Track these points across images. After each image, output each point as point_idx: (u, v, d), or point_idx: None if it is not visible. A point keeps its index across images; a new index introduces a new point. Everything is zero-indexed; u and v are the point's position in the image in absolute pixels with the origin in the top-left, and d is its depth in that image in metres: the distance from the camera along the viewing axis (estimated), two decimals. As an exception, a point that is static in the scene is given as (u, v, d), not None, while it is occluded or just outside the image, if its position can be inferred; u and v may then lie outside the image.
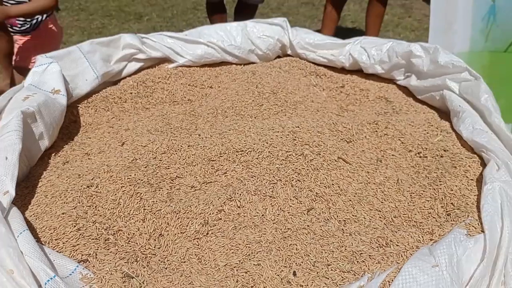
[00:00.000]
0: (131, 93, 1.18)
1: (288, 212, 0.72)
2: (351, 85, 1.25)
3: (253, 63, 1.34)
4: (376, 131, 0.96)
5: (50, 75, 1.01)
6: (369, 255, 0.64)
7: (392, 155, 0.91)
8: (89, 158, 0.90)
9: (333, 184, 0.77)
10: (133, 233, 0.69)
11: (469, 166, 0.83)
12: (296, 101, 1.07)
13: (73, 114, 1.07)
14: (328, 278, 0.61)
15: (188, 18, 3.73)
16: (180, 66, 1.27)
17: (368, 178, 0.80)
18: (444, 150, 0.90)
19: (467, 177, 0.81)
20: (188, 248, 0.68)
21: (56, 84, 1.01)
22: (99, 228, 0.68)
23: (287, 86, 1.12)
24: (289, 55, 1.36)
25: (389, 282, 0.58)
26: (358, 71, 1.29)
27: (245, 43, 1.31)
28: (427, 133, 0.98)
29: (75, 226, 0.67)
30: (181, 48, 1.27)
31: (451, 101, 1.03)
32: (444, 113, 1.07)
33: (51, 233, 0.67)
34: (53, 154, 0.92)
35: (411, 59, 1.17)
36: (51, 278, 0.56)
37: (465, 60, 1.41)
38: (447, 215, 0.73)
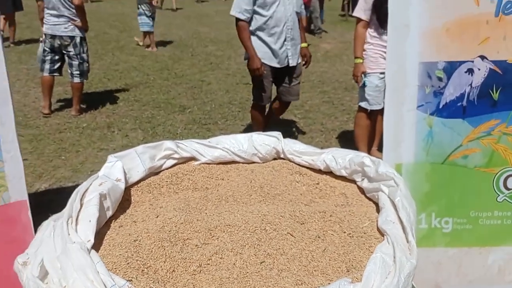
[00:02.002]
0: (166, 181, 1.75)
1: (249, 263, 1.24)
2: (324, 183, 1.78)
3: (255, 162, 1.89)
4: (324, 217, 1.47)
5: (116, 169, 1.61)
6: (288, 289, 1.14)
7: (331, 234, 1.41)
8: (135, 224, 1.45)
9: (279, 248, 1.28)
10: (158, 269, 1.22)
11: (373, 244, 1.33)
12: (276, 194, 1.61)
13: (127, 194, 1.64)
14: (261, 299, 1.11)
15: (224, 111, 4.45)
16: (202, 163, 1.85)
17: (305, 246, 1.31)
18: (364, 233, 1.40)
19: (369, 251, 1.30)
20: (188, 279, 1.20)
21: (118, 175, 1.60)
22: (139, 264, 1.22)
23: (271, 183, 1.66)
24: (282, 158, 1.91)
25: (292, 302, 1.07)
26: (330, 173, 1.82)
27: (250, 149, 1.88)
28: (360, 221, 1.48)
29: (126, 261, 1.21)
30: (204, 151, 1.86)
31: (380, 200, 1.54)
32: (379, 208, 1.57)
33: (112, 264, 1.21)
34: (113, 220, 1.48)
35: (364, 168, 1.70)
36: (113, 285, 1.09)
37: (411, 169, 1.93)
38: (347, 271, 1.22)
